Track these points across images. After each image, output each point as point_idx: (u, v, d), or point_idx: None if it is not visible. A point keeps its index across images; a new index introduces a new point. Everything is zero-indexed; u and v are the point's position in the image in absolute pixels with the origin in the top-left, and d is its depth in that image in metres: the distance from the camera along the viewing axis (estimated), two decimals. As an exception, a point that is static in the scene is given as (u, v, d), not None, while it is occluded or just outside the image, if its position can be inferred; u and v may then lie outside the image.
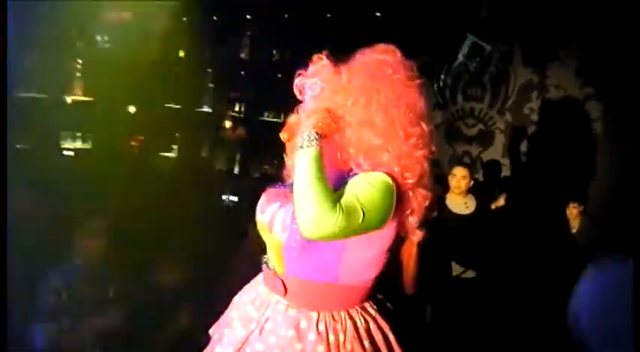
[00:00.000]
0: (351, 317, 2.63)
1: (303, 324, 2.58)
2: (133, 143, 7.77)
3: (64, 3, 6.78)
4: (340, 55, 2.66)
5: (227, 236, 5.41)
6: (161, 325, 4.56)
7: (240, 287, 2.90)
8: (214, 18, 7.79)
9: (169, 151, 7.99)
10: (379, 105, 2.53)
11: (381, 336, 2.65)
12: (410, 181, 2.56)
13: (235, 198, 7.04)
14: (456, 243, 5.72)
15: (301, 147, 2.45)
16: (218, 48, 7.82)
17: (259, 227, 2.72)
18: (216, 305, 4.71)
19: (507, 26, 6.63)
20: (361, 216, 2.36)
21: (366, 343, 2.60)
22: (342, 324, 2.59)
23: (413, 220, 2.64)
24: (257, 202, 2.71)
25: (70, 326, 4.26)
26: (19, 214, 5.23)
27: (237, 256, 5.07)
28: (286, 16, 7.45)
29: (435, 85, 6.98)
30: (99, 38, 7.87)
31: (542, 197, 6.13)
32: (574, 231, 5.46)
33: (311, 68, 2.64)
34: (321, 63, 2.63)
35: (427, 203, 2.63)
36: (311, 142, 2.44)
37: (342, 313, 2.62)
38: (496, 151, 6.89)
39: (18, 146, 7.24)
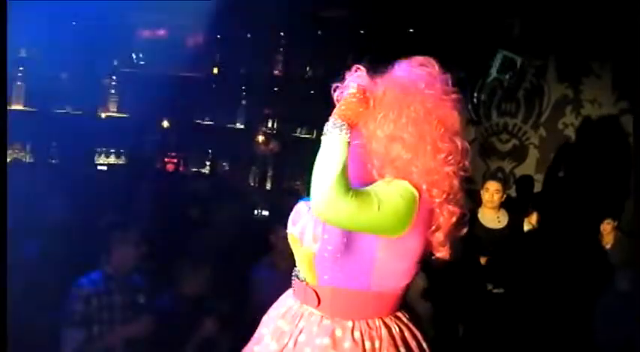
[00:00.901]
0: (386, 325, 2.59)
1: (339, 332, 2.55)
2: (166, 159, 7.85)
3: (100, 23, 6.89)
4: (377, 68, 2.59)
5: (257, 249, 5.43)
6: (188, 334, 4.58)
7: (269, 300, 2.90)
8: (248, 35, 7.84)
9: (203, 167, 8.05)
10: (409, 120, 2.47)
11: (415, 344, 2.62)
12: (437, 198, 2.51)
13: (266, 213, 7.05)
14: (487, 259, 5.70)
15: (325, 134, 2.44)
16: (251, 65, 7.88)
17: (290, 240, 2.70)
18: (244, 317, 4.79)
19: (540, 42, 6.59)
20: (376, 207, 2.34)
21: (402, 350, 2.57)
22: (377, 331, 2.56)
23: (438, 236, 2.58)
24: (288, 216, 2.70)
25: (99, 333, 4.29)
26: (53, 225, 5.33)
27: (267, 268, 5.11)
28: (319, 32, 7.47)
29: (469, 101, 6.94)
30: (134, 56, 7.98)
31: (575, 212, 6.06)
32: (608, 246, 5.41)
33: (348, 79, 2.59)
34: (358, 73, 2.58)
35: (454, 220, 2.56)
36: (335, 129, 2.43)
37: (376, 321, 2.58)
38: (530, 166, 6.83)
39: (52, 161, 7.37)
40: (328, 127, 2.44)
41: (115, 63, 7.85)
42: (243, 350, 2.83)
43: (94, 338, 4.26)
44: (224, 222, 6.01)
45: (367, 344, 2.52)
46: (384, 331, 2.57)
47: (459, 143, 2.53)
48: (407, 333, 2.62)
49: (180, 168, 7.85)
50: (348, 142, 2.42)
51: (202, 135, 7.97)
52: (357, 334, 2.54)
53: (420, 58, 2.60)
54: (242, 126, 7.91)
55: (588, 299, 5.20)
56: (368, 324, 2.56)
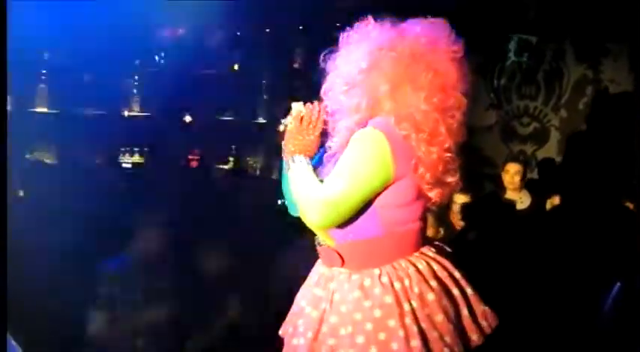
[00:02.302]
0: (412, 263, 2.65)
1: (367, 282, 2.61)
2: (190, 156, 7.89)
3: (121, 22, 6.94)
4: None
5: (280, 236, 5.49)
6: (210, 318, 4.66)
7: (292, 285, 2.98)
8: (267, 30, 7.88)
9: (226, 164, 8.08)
10: (392, 60, 2.60)
11: (446, 274, 2.69)
12: (404, 131, 2.58)
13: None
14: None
15: (287, 170, 2.70)
16: (272, 59, 7.91)
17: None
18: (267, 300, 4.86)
19: (557, 23, 6.57)
20: (349, 188, 2.53)
21: (433, 283, 2.62)
22: (403, 271, 2.62)
23: (422, 172, 2.60)
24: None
25: (122, 315, 4.40)
26: (78, 216, 5.41)
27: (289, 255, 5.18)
28: (337, 24, 7.47)
29: (490, 86, 6.93)
30: (156, 56, 8.03)
31: (597, 193, 6.03)
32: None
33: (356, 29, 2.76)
34: (369, 25, 2.74)
35: (434, 157, 2.58)
36: (292, 165, 2.67)
37: (402, 262, 2.64)
38: (551, 148, 6.82)
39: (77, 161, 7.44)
40: (285, 165, 2.72)
41: (137, 63, 7.90)
42: (283, 325, 2.92)
43: (117, 320, 4.35)
44: (249, 214, 6.08)
45: (397, 285, 2.59)
46: (411, 269, 2.63)
47: (451, 94, 2.62)
48: (436, 266, 2.69)
49: (204, 164, 7.89)
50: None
51: (225, 131, 8.01)
52: (384, 278, 2.60)
53: (430, 19, 2.71)
54: (264, 121, 7.93)
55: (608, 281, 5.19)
56: (393, 267, 2.63)
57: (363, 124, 2.63)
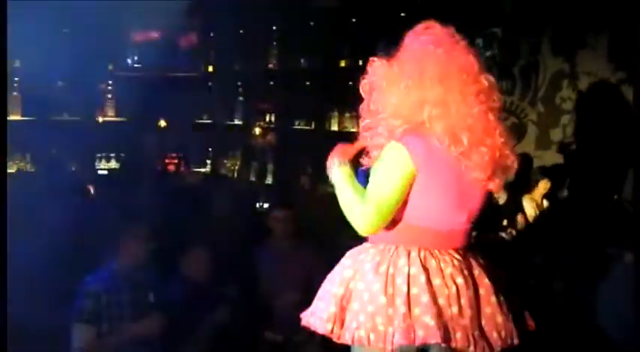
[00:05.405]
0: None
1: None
2: (167, 160, 7.85)
3: (95, 26, 6.89)
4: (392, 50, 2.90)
5: (259, 239, 5.54)
6: (197, 327, 4.66)
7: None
8: (240, 31, 7.84)
9: (204, 166, 8.05)
10: (432, 82, 2.75)
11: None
12: (461, 148, 2.73)
13: (267, 205, 7.08)
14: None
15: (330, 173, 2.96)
16: (246, 60, 7.87)
17: None
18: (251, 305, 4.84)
19: (533, 16, 6.55)
20: (380, 193, 2.75)
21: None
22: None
23: (477, 175, 2.78)
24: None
25: (108, 329, 4.39)
26: (61, 225, 5.35)
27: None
28: (311, 23, 7.44)
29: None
30: (129, 59, 7.99)
31: (578, 186, 6.02)
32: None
33: (368, 70, 2.94)
34: (374, 63, 2.91)
35: (487, 158, 2.76)
36: (332, 169, 2.93)
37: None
38: (529, 143, 6.78)
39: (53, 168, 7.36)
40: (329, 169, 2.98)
41: (110, 67, 7.85)
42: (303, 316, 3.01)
43: (103, 335, 4.31)
44: (227, 217, 6.07)
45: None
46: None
47: (484, 81, 2.82)
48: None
49: (182, 168, 7.85)
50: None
51: (201, 133, 7.99)
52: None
53: (421, 25, 2.90)
54: (240, 122, 7.89)
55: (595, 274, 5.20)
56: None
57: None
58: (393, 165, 2.75)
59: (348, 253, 2.95)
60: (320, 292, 2.97)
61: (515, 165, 2.88)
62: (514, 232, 5.71)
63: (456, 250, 2.87)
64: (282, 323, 5.07)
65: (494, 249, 5.66)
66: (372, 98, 2.92)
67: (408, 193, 2.77)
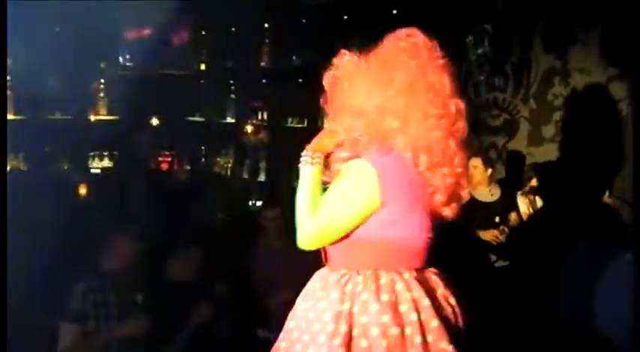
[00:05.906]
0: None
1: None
2: (160, 158, 7.85)
3: (87, 25, 6.87)
4: (364, 50, 2.73)
5: (252, 237, 5.53)
6: (184, 327, 4.65)
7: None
8: (232, 29, 7.84)
9: (197, 164, 8.05)
10: (396, 91, 2.57)
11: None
12: (421, 167, 2.57)
13: (260, 203, 7.07)
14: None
15: (299, 164, 2.70)
16: (238, 58, 7.87)
17: None
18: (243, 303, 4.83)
19: (525, 13, 6.56)
20: (333, 215, 2.56)
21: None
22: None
23: (438, 198, 2.62)
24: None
25: (95, 329, 4.30)
26: (52, 224, 5.34)
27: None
28: (303, 21, 7.45)
29: (458, 78, 6.91)
30: (121, 58, 7.98)
31: (570, 182, 6.03)
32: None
33: (335, 62, 2.73)
34: (344, 58, 2.72)
35: (449, 181, 2.60)
36: (305, 160, 2.68)
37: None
38: (521, 140, 6.79)
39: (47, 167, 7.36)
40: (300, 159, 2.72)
41: (102, 66, 7.83)
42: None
43: (90, 334, 4.29)
44: (220, 215, 6.08)
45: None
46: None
47: (452, 106, 2.60)
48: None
49: (175, 166, 7.84)
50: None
51: (194, 132, 7.98)
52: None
53: (404, 30, 2.68)
54: (233, 120, 7.89)
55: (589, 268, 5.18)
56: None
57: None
58: (355, 191, 2.55)
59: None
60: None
61: (467, 197, 2.72)
62: (507, 229, 5.82)
63: (417, 270, 2.63)
64: (275, 321, 5.07)
65: (486, 248, 5.76)
66: (333, 94, 2.72)
67: (367, 218, 2.57)
